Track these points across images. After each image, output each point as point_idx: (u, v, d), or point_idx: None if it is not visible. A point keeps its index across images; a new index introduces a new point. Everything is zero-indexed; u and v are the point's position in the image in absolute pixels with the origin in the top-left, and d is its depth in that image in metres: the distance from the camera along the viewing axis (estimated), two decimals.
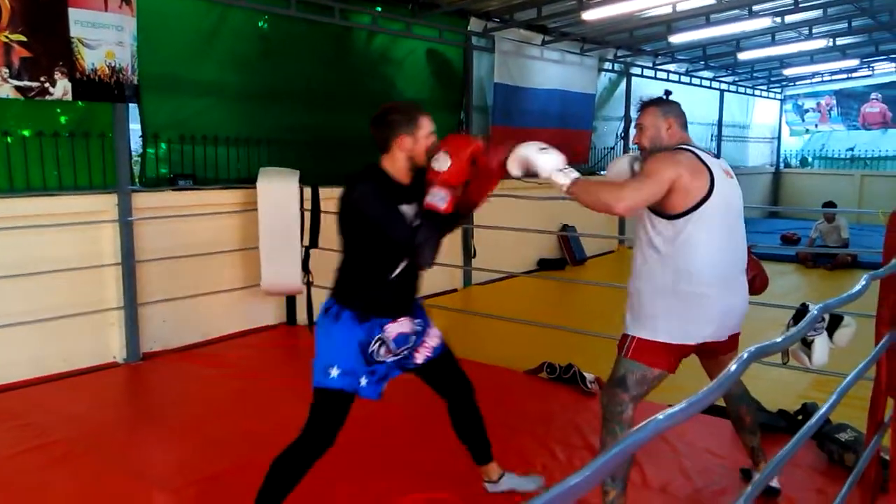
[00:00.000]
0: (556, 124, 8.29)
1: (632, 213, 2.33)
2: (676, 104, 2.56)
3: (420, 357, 2.51)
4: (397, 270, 2.34)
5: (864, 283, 1.45)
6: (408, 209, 2.32)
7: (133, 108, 4.65)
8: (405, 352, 2.45)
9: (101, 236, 4.46)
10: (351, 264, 2.41)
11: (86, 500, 2.77)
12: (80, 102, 4.37)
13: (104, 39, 4.42)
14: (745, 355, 0.91)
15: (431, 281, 6.59)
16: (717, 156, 2.52)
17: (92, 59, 4.37)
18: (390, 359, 2.39)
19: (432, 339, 2.55)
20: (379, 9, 6.18)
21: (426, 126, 2.38)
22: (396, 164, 2.36)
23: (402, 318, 2.41)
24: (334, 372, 2.29)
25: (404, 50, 6.58)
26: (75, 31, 4.28)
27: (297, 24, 5.56)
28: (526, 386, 4.12)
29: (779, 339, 1.00)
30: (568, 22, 7.46)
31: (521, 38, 7.60)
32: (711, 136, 12.59)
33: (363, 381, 2.33)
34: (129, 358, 4.51)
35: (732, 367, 0.89)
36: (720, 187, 2.31)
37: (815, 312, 1.12)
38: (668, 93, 2.59)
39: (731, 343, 2.51)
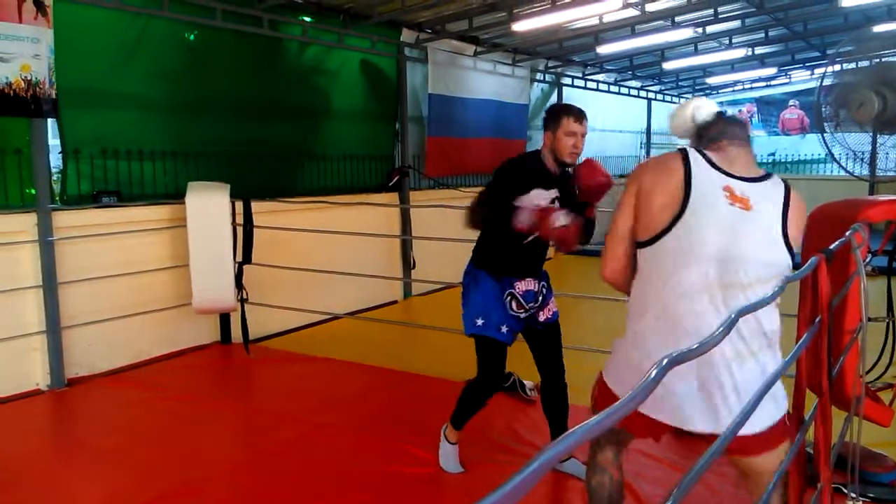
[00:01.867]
0: (491, 134, 8.38)
1: (618, 275, 1.96)
2: None
3: (542, 317, 2.95)
4: (529, 239, 2.68)
5: (780, 285, 1.50)
6: (543, 193, 2.73)
7: (52, 123, 4.47)
8: (532, 309, 2.90)
9: (21, 257, 4.25)
10: (485, 231, 2.92)
11: None
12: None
13: (19, 52, 4.23)
14: (665, 361, 0.92)
15: (370, 293, 6.59)
16: (765, 176, 1.84)
17: (5, 73, 4.17)
18: (522, 314, 2.87)
19: (553, 306, 3.01)
20: (309, 19, 6.12)
21: (566, 125, 2.75)
22: (545, 154, 2.82)
23: (528, 278, 2.88)
24: (479, 322, 2.85)
25: (337, 61, 6.54)
26: None
27: (225, 35, 5.45)
28: None
29: (696, 345, 1.02)
30: (499, 33, 7.57)
31: (454, 49, 7.66)
32: (641, 143, 12.98)
33: (503, 329, 2.84)
34: (53, 384, 4.30)
35: (653, 372, 0.90)
36: (705, 217, 1.74)
37: (734, 318, 1.15)
38: None
39: (743, 440, 1.70)
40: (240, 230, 4.97)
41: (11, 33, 4.18)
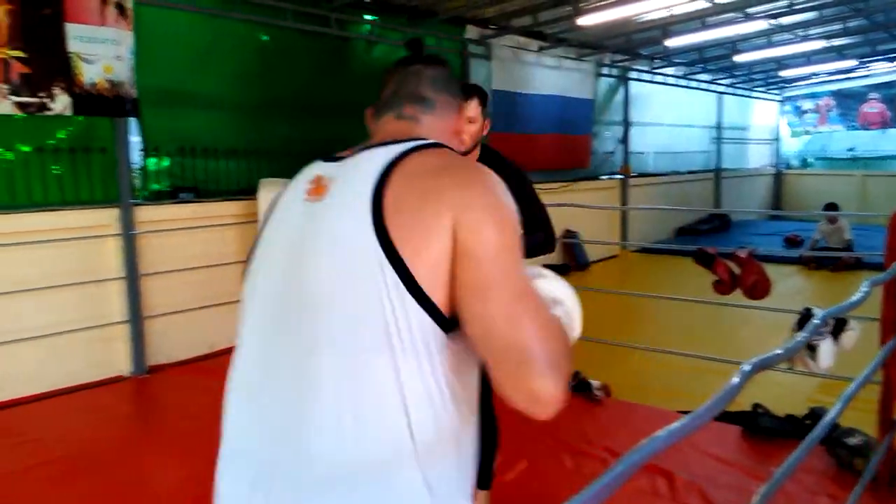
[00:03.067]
0: (556, 130, 8.32)
1: None
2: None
3: None
4: None
5: (865, 290, 1.45)
6: None
7: (133, 123, 4.68)
8: None
9: (105, 250, 4.47)
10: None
11: None
12: (79, 117, 4.39)
13: (102, 54, 4.44)
14: (749, 367, 0.91)
15: None
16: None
17: (91, 74, 4.39)
18: None
19: None
20: (374, 18, 6.20)
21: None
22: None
23: None
24: None
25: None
26: (73, 46, 4.30)
27: (295, 36, 5.59)
28: None
29: (780, 351, 1.00)
30: (564, 28, 7.49)
31: (518, 45, 7.62)
32: (711, 138, 12.61)
33: None
34: (135, 371, 4.52)
35: (735, 379, 0.89)
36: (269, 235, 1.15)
37: (818, 321, 1.12)
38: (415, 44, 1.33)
39: None
40: None
41: (95, 36, 4.40)
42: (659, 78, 10.36)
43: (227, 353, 4.30)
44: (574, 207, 6.62)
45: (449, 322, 0.96)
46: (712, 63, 10.30)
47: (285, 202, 1.17)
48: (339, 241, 0.99)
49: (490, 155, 2.48)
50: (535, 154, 8.04)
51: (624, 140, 9.97)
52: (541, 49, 7.91)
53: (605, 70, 9.40)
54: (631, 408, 3.82)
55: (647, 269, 7.26)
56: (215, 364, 4.70)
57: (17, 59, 4.07)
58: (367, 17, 6.19)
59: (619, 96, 9.94)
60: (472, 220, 0.95)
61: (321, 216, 1.04)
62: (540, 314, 0.95)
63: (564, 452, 3.22)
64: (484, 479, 2.37)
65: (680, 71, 10.76)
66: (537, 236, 2.39)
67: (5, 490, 2.97)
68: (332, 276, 0.98)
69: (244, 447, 1.07)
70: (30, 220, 4.13)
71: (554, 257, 8.67)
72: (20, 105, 4.09)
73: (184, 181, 4.96)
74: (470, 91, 2.36)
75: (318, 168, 1.18)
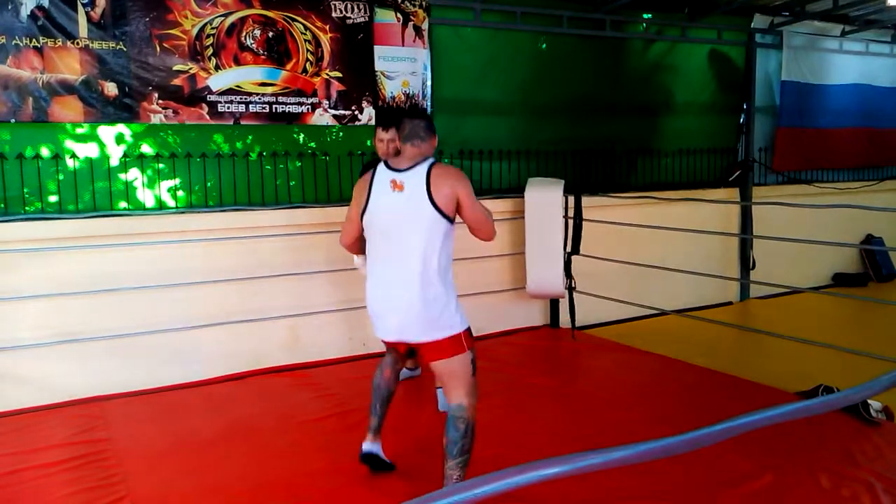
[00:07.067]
0: (861, 123, 7.40)
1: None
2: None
3: None
4: None
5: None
6: None
7: None
8: None
9: None
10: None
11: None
12: (384, 115, 5.13)
13: (401, 71, 5.16)
14: None
15: (700, 292, 6.40)
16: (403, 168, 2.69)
17: (391, 89, 5.13)
18: None
19: None
20: (648, 16, 6.17)
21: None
22: None
23: None
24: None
25: (678, 55, 6.47)
26: (379, 65, 5.07)
27: (570, 41, 5.83)
28: None
29: None
30: (873, 9, 6.63)
31: (816, 31, 6.94)
32: None
33: None
34: None
35: None
36: (376, 199, 2.70)
37: None
38: None
39: (428, 346, 2.64)
40: (571, 223, 5.30)
41: (396, 55, 5.12)
42: None
43: (489, 338, 4.82)
44: (878, 212, 5.84)
45: (451, 220, 2.62)
46: None
47: (377, 191, 2.69)
48: (418, 208, 2.59)
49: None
50: (830, 150, 7.25)
51: None
52: (844, 33, 7.09)
53: None
54: None
55: None
56: (478, 347, 5.14)
57: (336, 79, 4.94)
58: (645, 16, 6.18)
59: None
60: (459, 188, 2.61)
61: (406, 199, 2.62)
62: (485, 211, 2.72)
63: (822, 471, 2.98)
64: None
65: None
66: None
67: (308, 431, 3.67)
68: (411, 224, 2.61)
69: (379, 277, 2.71)
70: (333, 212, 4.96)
71: (850, 266, 7.72)
72: (336, 117, 4.96)
73: None
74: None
75: (392, 174, 2.68)
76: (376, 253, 2.72)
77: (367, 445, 3.09)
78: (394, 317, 2.65)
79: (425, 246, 2.57)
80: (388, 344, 2.95)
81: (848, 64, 7.23)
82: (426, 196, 2.57)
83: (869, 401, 3.62)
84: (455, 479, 2.58)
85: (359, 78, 5.00)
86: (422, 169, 2.62)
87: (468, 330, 2.69)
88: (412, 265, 2.58)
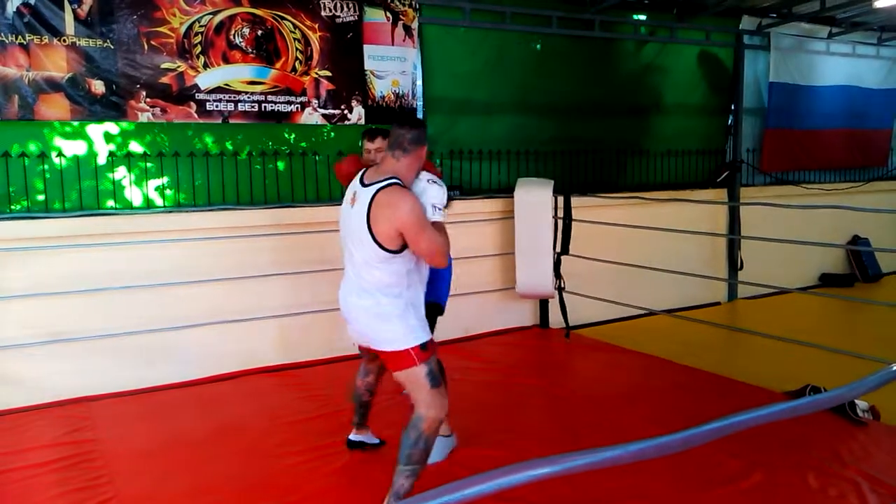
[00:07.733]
0: (847, 124, 7.46)
1: None
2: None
3: None
4: None
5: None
6: None
7: None
8: None
9: None
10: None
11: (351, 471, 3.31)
12: (371, 125, 5.12)
13: (391, 70, 5.15)
14: None
15: (689, 292, 6.43)
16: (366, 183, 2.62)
17: (381, 88, 5.12)
18: None
19: None
20: (637, 17, 6.20)
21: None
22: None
23: None
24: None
25: (667, 56, 6.50)
26: (368, 64, 5.06)
27: (560, 41, 5.85)
28: None
29: None
30: (859, 11, 6.68)
31: (803, 33, 6.99)
32: None
33: None
34: None
35: None
36: (343, 206, 2.73)
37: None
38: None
39: (382, 355, 2.68)
40: (560, 223, 5.31)
41: (386, 54, 5.11)
42: None
43: (478, 338, 4.81)
44: (864, 213, 5.90)
45: (393, 251, 2.53)
46: None
47: (345, 198, 2.72)
48: (360, 230, 2.55)
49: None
50: (818, 151, 7.31)
51: None
52: (831, 35, 7.15)
53: None
54: None
55: None
56: (467, 347, 5.16)
57: (325, 78, 4.92)
58: (635, 17, 6.20)
59: None
60: (399, 223, 2.48)
61: (356, 216, 2.57)
62: (435, 236, 2.53)
63: (810, 470, 3.01)
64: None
65: None
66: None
67: (291, 432, 3.64)
68: (357, 240, 2.58)
69: (343, 282, 2.77)
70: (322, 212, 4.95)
71: (837, 267, 7.78)
72: (326, 116, 4.94)
73: (451, 180, 5.51)
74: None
75: (356, 186, 2.64)
76: (344, 257, 2.78)
77: (353, 436, 3.34)
78: (352, 322, 2.75)
79: (370, 262, 2.57)
80: (359, 347, 3.01)
81: (835, 65, 7.29)
82: (365, 225, 2.51)
83: (856, 401, 3.65)
84: (399, 487, 2.53)
85: (348, 77, 4.99)
86: (371, 192, 2.52)
87: (421, 344, 2.59)
88: (360, 276, 2.63)
